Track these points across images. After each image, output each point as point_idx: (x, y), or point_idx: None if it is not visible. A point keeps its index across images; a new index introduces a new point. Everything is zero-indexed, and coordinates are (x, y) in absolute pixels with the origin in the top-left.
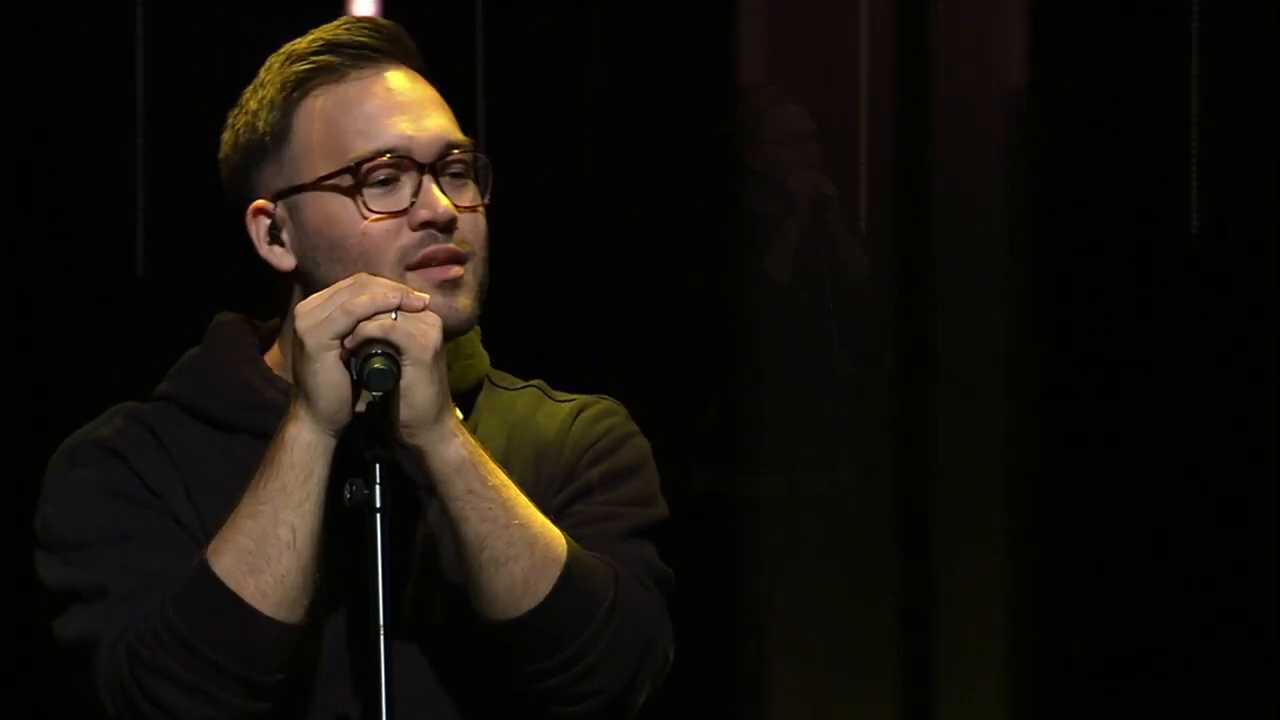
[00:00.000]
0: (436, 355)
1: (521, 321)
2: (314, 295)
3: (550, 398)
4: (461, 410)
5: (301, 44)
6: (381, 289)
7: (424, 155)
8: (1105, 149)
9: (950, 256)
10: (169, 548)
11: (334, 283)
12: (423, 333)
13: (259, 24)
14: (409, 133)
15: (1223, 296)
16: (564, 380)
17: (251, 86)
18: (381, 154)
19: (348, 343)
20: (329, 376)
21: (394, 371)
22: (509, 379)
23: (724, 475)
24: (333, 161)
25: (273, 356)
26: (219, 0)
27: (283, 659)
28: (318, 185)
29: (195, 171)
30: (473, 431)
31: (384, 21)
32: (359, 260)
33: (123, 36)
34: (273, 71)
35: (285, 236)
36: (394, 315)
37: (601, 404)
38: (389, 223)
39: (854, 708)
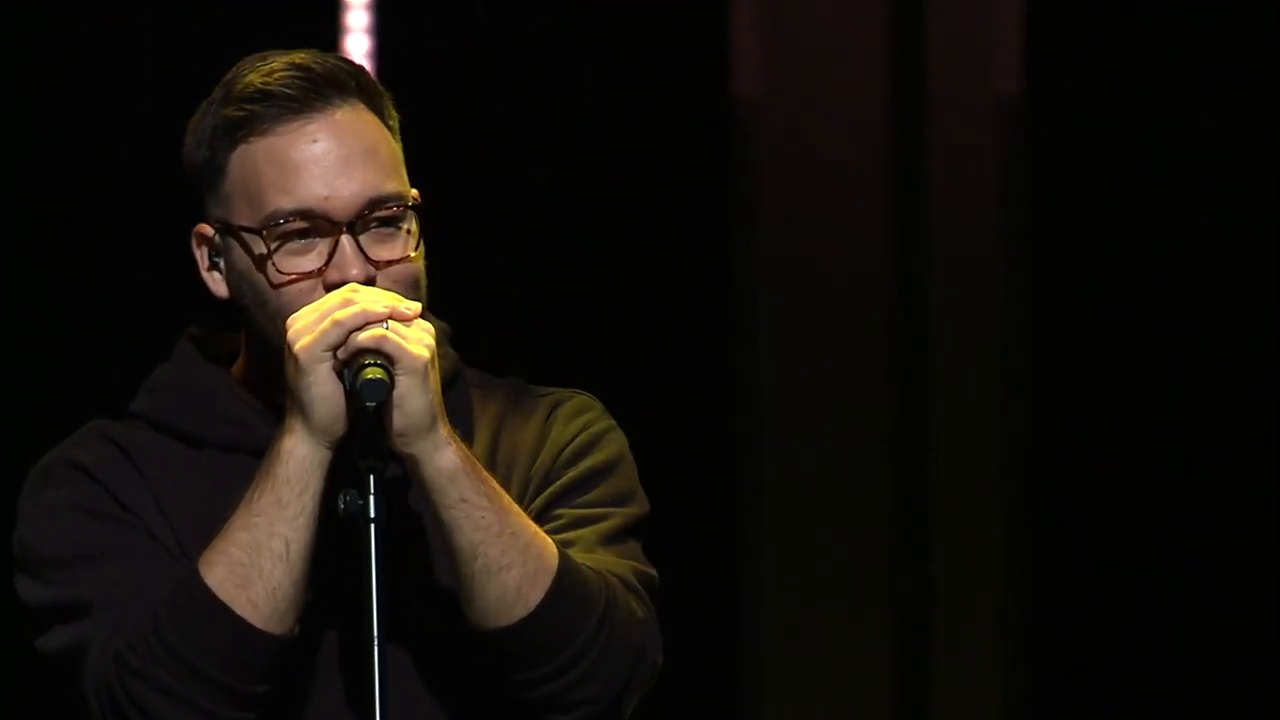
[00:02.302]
0: (429, 364)
1: (519, 322)
2: (305, 308)
3: (526, 393)
4: None
5: (244, 78)
6: (372, 299)
7: (341, 214)
8: (1102, 155)
9: (946, 262)
10: (145, 560)
11: (260, 323)
12: (415, 341)
13: (258, 24)
14: (324, 193)
15: (1224, 299)
16: (560, 380)
17: (208, 100)
18: (296, 214)
19: (340, 354)
20: (323, 389)
21: (387, 382)
22: (483, 376)
23: (722, 471)
24: (254, 213)
25: (239, 369)
26: (220, 1)
27: (270, 670)
28: (238, 233)
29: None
30: None
31: (323, 64)
32: (277, 312)
33: (124, 35)
34: (217, 98)
35: (222, 265)
36: (385, 325)
37: (577, 399)
38: (303, 282)
39: (851, 706)
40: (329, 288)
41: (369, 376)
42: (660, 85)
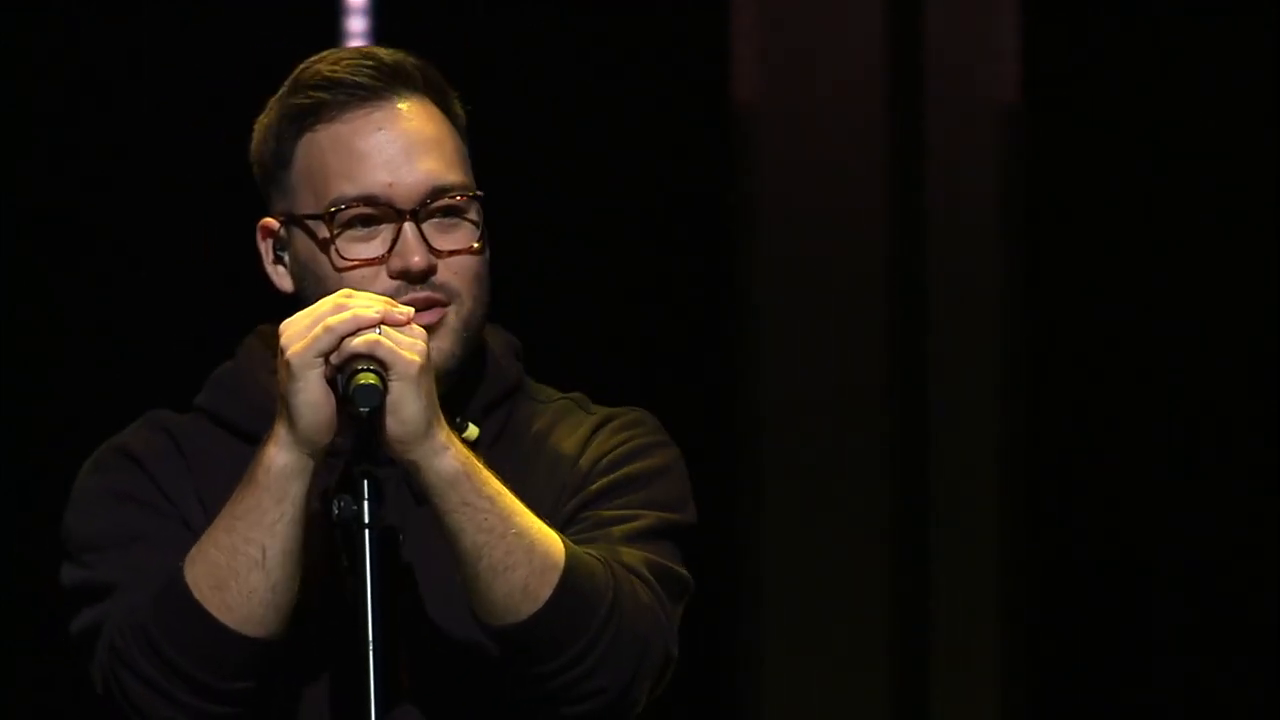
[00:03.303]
0: (423, 369)
1: (519, 323)
2: (298, 314)
3: (582, 408)
4: (482, 424)
5: (312, 67)
6: (364, 304)
7: (405, 202)
8: (1101, 159)
9: (946, 264)
10: (175, 551)
11: None
12: (408, 347)
13: (258, 26)
14: (388, 180)
15: (1224, 299)
16: (560, 380)
17: (276, 95)
18: (359, 200)
19: (333, 359)
20: (312, 395)
21: (380, 387)
22: (546, 392)
23: (722, 471)
24: (318, 200)
25: None
26: (221, 3)
27: (245, 669)
28: (301, 222)
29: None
30: (492, 445)
31: (391, 56)
32: None
33: (124, 35)
34: (284, 92)
35: (287, 258)
36: (378, 330)
37: (629, 415)
38: (365, 269)
39: (850, 707)
40: (392, 275)
41: (361, 382)
42: (660, 88)
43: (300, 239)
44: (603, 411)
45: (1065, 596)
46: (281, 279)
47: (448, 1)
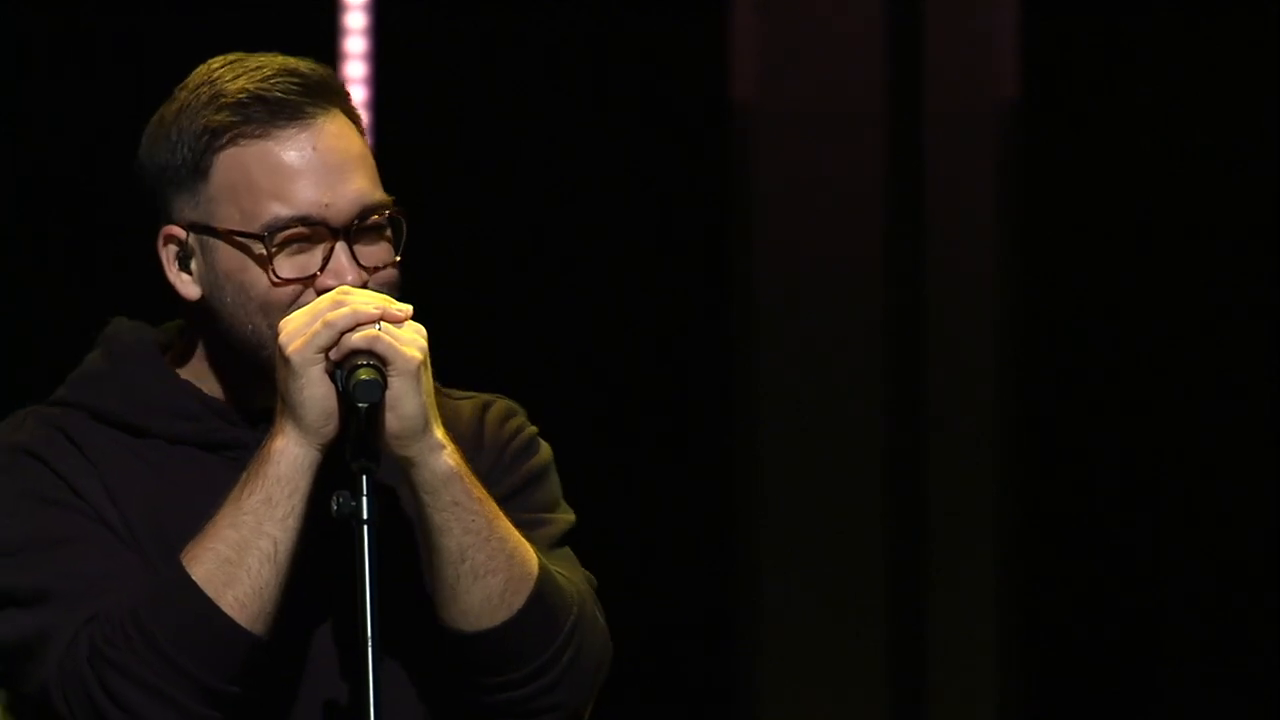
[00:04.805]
0: (422, 365)
1: (518, 323)
2: (296, 312)
3: (447, 396)
4: None
5: (235, 80)
6: (363, 300)
7: (338, 221)
8: (1100, 158)
9: (944, 263)
10: (105, 552)
11: (241, 320)
12: (408, 343)
13: (258, 24)
14: (325, 200)
15: (1224, 299)
16: (556, 391)
17: (178, 103)
18: (296, 221)
19: (333, 355)
20: (315, 391)
21: (380, 383)
22: None
23: (721, 471)
24: (247, 218)
25: (185, 365)
26: (221, 3)
27: (247, 671)
28: (229, 237)
29: None
30: None
31: (313, 70)
32: (264, 308)
33: (124, 35)
34: (200, 100)
35: (194, 267)
36: (377, 326)
37: (503, 401)
38: (297, 285)
39: (850, 707)
40: (321, 293)
41: (362, 377)
42: (659, 87)
43: (221, 250)
44: (473, 398)
45: (1065, 597)
46: (188, 286)
47: (448, 1)
